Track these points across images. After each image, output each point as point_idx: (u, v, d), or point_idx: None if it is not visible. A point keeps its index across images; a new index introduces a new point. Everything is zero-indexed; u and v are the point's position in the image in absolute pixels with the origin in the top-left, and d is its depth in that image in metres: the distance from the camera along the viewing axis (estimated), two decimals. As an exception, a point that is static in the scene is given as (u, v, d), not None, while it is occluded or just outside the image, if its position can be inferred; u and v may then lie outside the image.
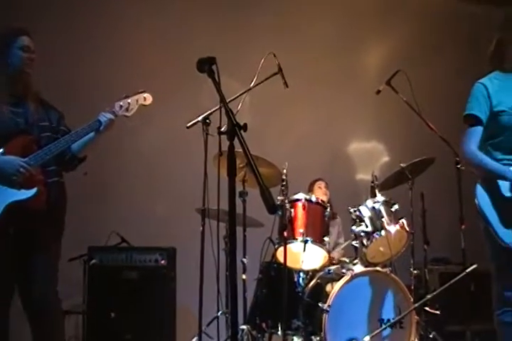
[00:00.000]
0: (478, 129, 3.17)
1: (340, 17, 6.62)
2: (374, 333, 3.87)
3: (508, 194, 3.07)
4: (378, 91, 4.72)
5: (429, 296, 3.98)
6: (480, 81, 3.24)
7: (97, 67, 5.65)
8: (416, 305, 4.02)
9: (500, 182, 3.10)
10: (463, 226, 4.65)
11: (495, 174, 3.10)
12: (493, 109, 3.14)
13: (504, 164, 3.12)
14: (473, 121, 3.18)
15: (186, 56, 5.19)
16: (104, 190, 5.65)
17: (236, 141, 2.22)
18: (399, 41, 6.77)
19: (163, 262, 4.71)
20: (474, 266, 3.91)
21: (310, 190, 5.41)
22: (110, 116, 3.44)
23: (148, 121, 5.46)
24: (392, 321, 3.98)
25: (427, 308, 4.21)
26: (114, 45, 5.76)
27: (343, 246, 5.21)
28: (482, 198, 3.15)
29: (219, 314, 4.17)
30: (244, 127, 2.23)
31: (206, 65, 2.38)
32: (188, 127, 3.82)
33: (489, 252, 3.19)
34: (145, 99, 3.60)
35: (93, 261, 4.68)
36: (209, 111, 3.77)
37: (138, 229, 5.33)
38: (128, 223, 5.35)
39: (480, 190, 3.18)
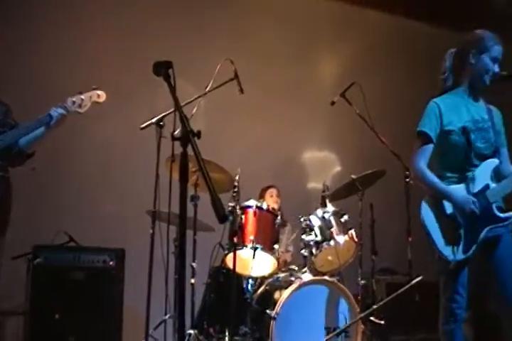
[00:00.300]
0: (429, 147, 3.25)
1: (298, 27, 6.70)
2: (320, 341, 3.90)
3: (449, 211, 3.16)
4: (333, 103, 4.81)
5: (375, 306, 4.02)
6: (434, 99, 3.32)
7: (51, 65, 5.54)
8: (362, 314, 4.06)
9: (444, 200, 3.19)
10: (410, 238, 4.74)
11: (440, 195, 3.18)
12: (444, 128, 3.22)
13: (452, 182, 3.21)
14: (425, 138, 3.25)
15: (143, 57, 5.18)
16: (53, 187, 5.51)
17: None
18: (354, 54, 6.89)
19: (111, 263, 4.64)
20: (419, 278, 3.97)
21: (261, 196, 5.43)
22: (62, 111, 3.39)
23: (102, 120, 5.38)
24: (338, 330, 4.01)
25: (372, 318, 4.26)
26: (69, 44, 5.66)
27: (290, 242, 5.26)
28: (426, 214, 3.24)
29: (166, 317, 4.13)
30: (198, 134, 2.21)
31: (162, 69, 2.36)
32: (141, 128, 3.81)
33: (435, 265, 3.26)
34: (98, 96, 3.57)
35: (38, 259, 4.50)
36: (163, 114, 3.77)
37: (87, 228, 5.22)
38: (77, 222, 5.26)
39: (425, 206, 3.27)
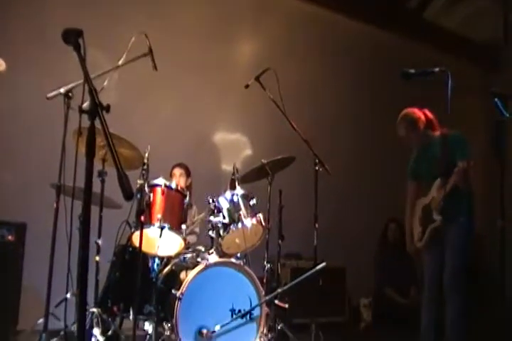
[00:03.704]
0: None
1: (217, 9, 6.66)
2: (224, 323, 3.93)
3: None
4: (247, 86, 4.83)
5: (279, 290, 4.09)
6: None
7: None
8: (267, 297, 4.12)
9: None
10: (316, 225, 4.86)
11: None
12: None
13: None
14: None
15: (50, 23, 4.99)
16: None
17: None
18: (271, 40, 6.95)
19: (10, 238, 4.50)
20: (323, 264, 4.05)
21: (170, 175, 5.35)
22: None
23: (7, 88, 5.15)
24: (242, 312, 4.06)
25: (277, 301, 4.32)
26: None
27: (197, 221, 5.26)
28: None
29: (68, 295, 4.04)
30: (107, 108, 2.17)
31: (72, 37, 2.29)
32: (48, 98, 3.68)
33: None
34: None
35: None
36: (71, 85, 3.65)
37: (-15, 200, 5.01)
38: (-25, 193, 5.03)
39: None
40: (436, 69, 3.78)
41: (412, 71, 3.89)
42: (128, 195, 2.05)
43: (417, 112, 4.51)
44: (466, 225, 4.41)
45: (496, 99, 3.20)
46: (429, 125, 4.51)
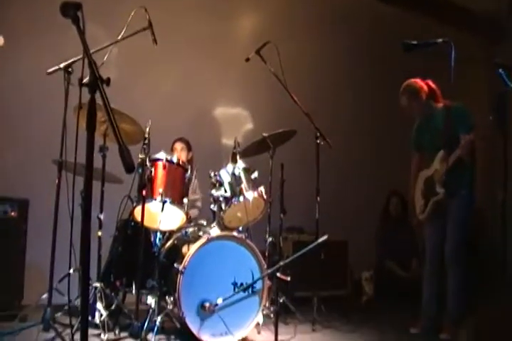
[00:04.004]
0: None
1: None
2: (227, 296, 3.94)
3: None
4: (247, 59, 4.81)
5: (281, 263, 4.09)
6: None
7: None
8: (269, 271, 4.12)
9: None
10: (318, 198, 4.86)
11: None
12: None
13: None
14: None
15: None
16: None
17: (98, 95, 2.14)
18: (272, 13, 6.85)
19: (13, 214, 4.48)
20: (325, 237, 4.05)
21: (172, 150, 5.34)
22: None
23: (6, 63, 5.12)
24: (245, 285, 4.07)
25: (279, 274, 4.34)
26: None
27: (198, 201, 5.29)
28: None
29: (71, 271, 4.06)
30: (107, 81, 2.15)
31: (71, 10, 2.25)
32: (48, 73, 3.66)
33: None
34: None
35: None
36: (71, 60, 3.64)
37: (-13, 176, 5.00)
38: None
39: None
40: (439, 40, 3.74)
41: (414, 42, 3.85)
42: (129, 168, 2.04)
43: (420, 82, 4.48)
44: (468, 198, 4.41)
45: (500, 70, 3.17)
46: (432, 96, 4.48)
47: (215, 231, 4.23)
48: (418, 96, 4.46)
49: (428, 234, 4.63)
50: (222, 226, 4.35)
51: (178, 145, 5.35)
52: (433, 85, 4.49)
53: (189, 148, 5.39)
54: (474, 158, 4.34)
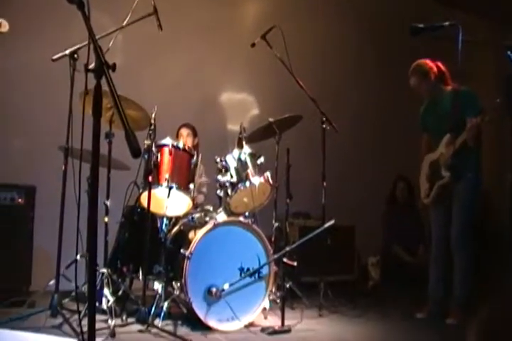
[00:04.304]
0: None
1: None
2: (233, 282, 3.96)
3: None
4: (253, 44, 4.80)
5: (288, 248, 4.10)
6: None
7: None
8: (275, 256, 4.13)
9: None
10: (324, 183, 4.86)
11: None
12: None
13: None
14: None
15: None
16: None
17: (104, 81, 2.13)
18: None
19: (20, 201, 4.50)
20: (332, 222, 4.05)
21: (177, 135, 5.33)
22: None
23: (11, 50, 5.09)
24: (251, 271, 4.09)
25: (285, 260, 4.36)
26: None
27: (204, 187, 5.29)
28: None
29: (78, 257, 4.08)
30: (113, 67, 2.14)
31: (76, -4, 2.24)
32: (53, 60, 3.65)
33: None
34: (0, 25, 3.37)
35: None
36: (77, 46, 3.62)
37: (-6, 163, 4.99)
38: (-18, 157, 5.01)
39: None
40: (446, 23, 3.71)
41: (422, 26, 3.82)
42: (135, 152, 2.03)
43: (430, 63, 4.47)
44: (474, 181, 4.40)
45: (509, 52, 3.14)
46: (441, 78, 4.46)
47: (221, 216, 4.23)
48: (427, 77, 4.45)
49: (433, 218, 4.63)
50: (229, 212, 4.35)
51: (184, 131, 5.33)
52: (442, 67, 4.47)
53: (195, 133, 5.37)
54: (480, 141, 4.32)
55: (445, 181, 4.40)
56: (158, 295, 4.03)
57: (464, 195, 4.37)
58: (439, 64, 4.48)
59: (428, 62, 4.48)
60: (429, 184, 4.56)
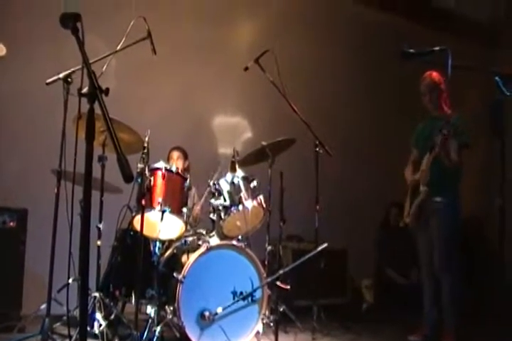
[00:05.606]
0: None
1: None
2: (226, 305, 3.95)
3: None
4: (246, 68, 4.83)
5: (281, 271, 4.10)
6: None
7: None
8: (268, 279, 4.14)
9: None
10: (318, 207, 4.87)
11: None
12: None
13: None
14: None
15: (49, 9, 4.90)
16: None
17: (97, 105, 2.15)
18: (270, 20, 6.87)
19: (12, 224, 4.48)
20: (325, 245, 4.06)
21: (168, 158, 5.35)
22: None
23: (6, 74, 5.10)
24: (244, 294, 4.08)
25: (278, 283, 4.34)
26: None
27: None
28: None
29: (70, 280, 4.05)
30: (106, 91, 2.17)
31: (70, 21, 2.27)
32: (47, 83, 3.68)
33: None
34: None
35: None
36: (71, 70, 3.66)
37: (-14, 186, 4.98)
38: (-25, 179, 5.00)
39: None
40: (437, 49, 3.76)
41: (412, 51, 3.87)
42: (127, 177, 2.04)
43: (440, 78, 4.57)
44: (453, 204, 4.44)
45: (497, 78, 3.20)
46: (443, 96, 4.59)
47: (214, 240, 4.23)
48: (437, 88, 4.56)
49: (418, 242, 4.68)
50: (222, 236, 4.35)
51: (175, 154, 5.36)
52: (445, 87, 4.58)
53: (185, 156, 5.40)
54: (461, 162, 4.41)
55: (422, 198, 4.43)
56: (150, 319, 4.01)
57: (443, 219, 4.41)
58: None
59: (440, 77, 4.57)
60: (410, 202, 4.60)
